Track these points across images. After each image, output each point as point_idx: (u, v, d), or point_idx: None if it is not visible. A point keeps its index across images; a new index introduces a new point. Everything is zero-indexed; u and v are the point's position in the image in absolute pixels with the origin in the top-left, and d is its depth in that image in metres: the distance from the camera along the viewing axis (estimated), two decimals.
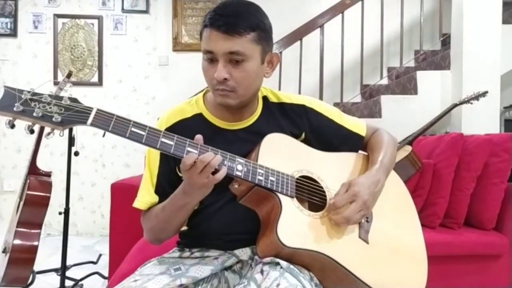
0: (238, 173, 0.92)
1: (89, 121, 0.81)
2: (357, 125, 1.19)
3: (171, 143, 0.87)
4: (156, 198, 1.06)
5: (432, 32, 3.78)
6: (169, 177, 1.03)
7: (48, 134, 0.86)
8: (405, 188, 1.21)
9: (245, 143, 1.04)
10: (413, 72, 3.24)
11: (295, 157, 1.05)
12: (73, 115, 0.81)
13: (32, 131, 0.89)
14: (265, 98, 1.12)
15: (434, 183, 1.92)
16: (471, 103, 2.33)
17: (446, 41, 3.48)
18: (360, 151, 1.19)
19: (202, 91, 1.17)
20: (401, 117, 2.98)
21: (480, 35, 2.83)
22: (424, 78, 3.06)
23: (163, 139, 0.87)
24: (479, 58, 2.82)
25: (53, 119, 0.79)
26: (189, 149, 0.88)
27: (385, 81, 3.66)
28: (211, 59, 0.97)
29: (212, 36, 0.94)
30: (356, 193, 0.97)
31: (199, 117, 1.07)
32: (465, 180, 1.89)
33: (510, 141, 1.88)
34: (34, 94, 0.80)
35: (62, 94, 2.23)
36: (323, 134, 1.14)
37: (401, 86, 3.28)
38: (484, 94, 2.28)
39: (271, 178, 0.95)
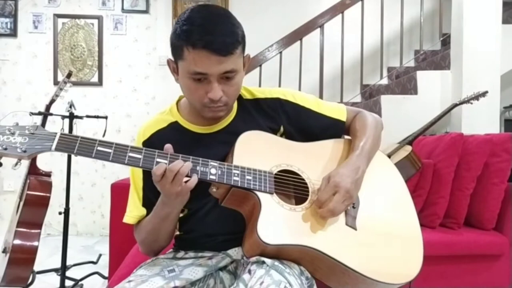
0: (212, 177, 0.91)
1: (53, 146, 0.82)
2: (337, 110, 1.16)
3: (139, 156, 0.87)
4: (144, 211, 1.06)
5: (432, 32, 3.78)
6: (154, 188, 1.00)
7: (16, 164, 0.86)
8: (395, 169, 1.17)
9: (223, 145, 1.03)
10: (413, 72, 3.23)
11: (273, 152, 1.03)
12: (36, 143, 0.82)
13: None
14: (239, 96, 1.11)
15: (434, 183, 1.92)
16: (471, 103, 2.33)
17: (446, 41, 3.49)
18: (345, 136, 1.16)
19: None
20: (401, 117, 2.98)
21: (480, 35, 2.83)
22: (424, 78, 3.06)
23: (130, 154, 0.86)
24: (479, 58, 2.82)
25: (17, 150, 0.81)
26: (158, 160, 0.87)
27: (385, 81, 3.66)
28: (200, 79, 0.95)
29: (204, 58, 0.92)
30: (338, 184, 0.95)
31: (175, 125, 1.07)
32: (465, 180, 1.89)
33: (510, 141, 1.88)
34: None
35: (62, 94, 2.23)
36: (302, 125, 1.12)
37: (401, 86, 3.28)
38: (484, 94, 2.28)
39: (247, 177, 0.93)
